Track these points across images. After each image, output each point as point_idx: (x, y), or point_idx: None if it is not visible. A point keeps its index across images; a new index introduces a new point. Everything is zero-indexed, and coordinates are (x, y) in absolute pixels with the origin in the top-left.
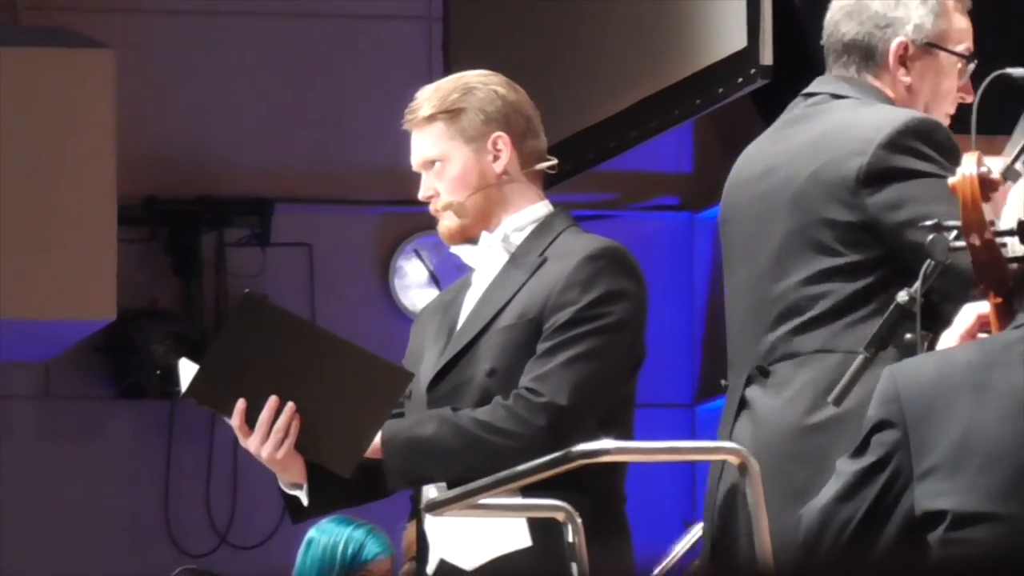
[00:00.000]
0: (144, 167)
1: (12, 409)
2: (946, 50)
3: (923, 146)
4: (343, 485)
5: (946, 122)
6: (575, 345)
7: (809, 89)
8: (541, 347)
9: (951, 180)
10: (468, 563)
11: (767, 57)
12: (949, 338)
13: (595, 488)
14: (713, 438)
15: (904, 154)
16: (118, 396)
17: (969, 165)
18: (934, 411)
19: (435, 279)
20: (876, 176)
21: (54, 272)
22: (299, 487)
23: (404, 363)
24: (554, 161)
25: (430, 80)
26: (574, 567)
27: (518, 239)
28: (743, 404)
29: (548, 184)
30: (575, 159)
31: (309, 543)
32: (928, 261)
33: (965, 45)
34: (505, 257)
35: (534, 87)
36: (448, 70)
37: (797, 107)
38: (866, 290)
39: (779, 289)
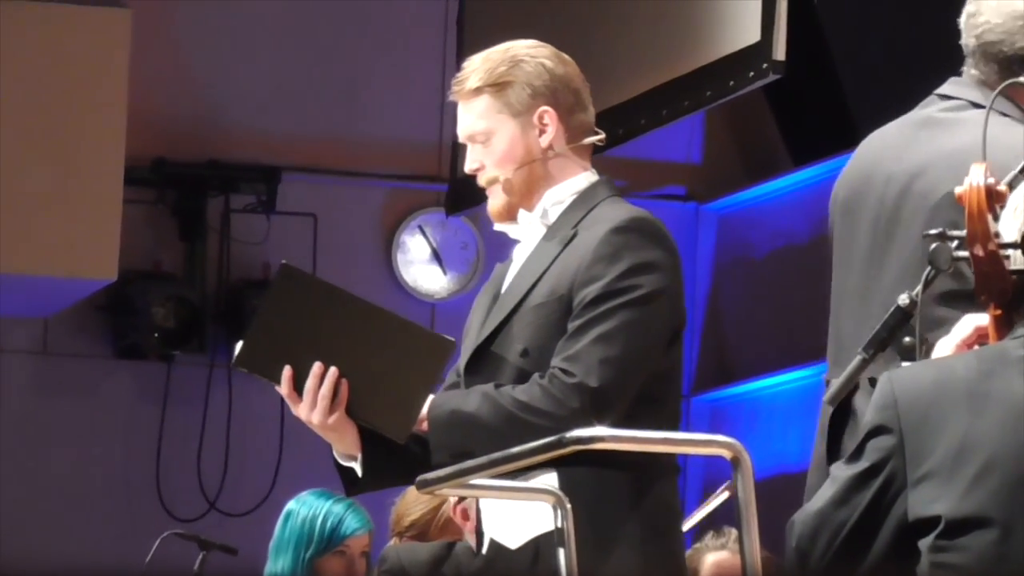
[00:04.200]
0: (154, 129)
1: (9, 364)
2: None
3: None
4: (397, 458)
5: None
6: (604, 322)
7: (944, 91)
8: (571, 325)
9: (957, 190)
10: (512, 542)
11: (780, 52)
12: (945, 347)
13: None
14: (706, 430)
15: None
16: (116, 356)
17: (976, 175)
18: (931, 418)
19: (437, 256)
20: None
21: (58, 228)
22: (353, 459)
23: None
24: (602, 135)
25: (443, 57)
26: (561, 553)
27: (556, 212)
28: (849, 412)
29: None
30: None
31: (288, 515)
32: (928, 268)
33: None
34: (543, 231)
35: None
36: (461, 48)
37: (931, 107)
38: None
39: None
